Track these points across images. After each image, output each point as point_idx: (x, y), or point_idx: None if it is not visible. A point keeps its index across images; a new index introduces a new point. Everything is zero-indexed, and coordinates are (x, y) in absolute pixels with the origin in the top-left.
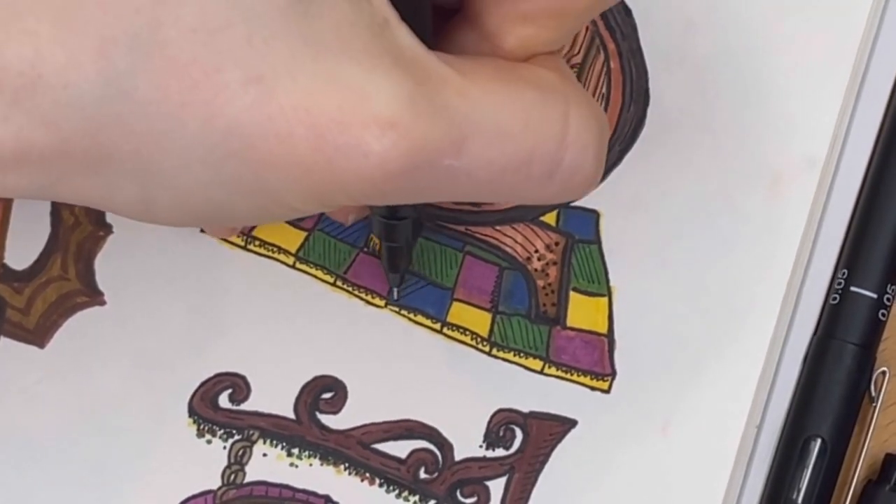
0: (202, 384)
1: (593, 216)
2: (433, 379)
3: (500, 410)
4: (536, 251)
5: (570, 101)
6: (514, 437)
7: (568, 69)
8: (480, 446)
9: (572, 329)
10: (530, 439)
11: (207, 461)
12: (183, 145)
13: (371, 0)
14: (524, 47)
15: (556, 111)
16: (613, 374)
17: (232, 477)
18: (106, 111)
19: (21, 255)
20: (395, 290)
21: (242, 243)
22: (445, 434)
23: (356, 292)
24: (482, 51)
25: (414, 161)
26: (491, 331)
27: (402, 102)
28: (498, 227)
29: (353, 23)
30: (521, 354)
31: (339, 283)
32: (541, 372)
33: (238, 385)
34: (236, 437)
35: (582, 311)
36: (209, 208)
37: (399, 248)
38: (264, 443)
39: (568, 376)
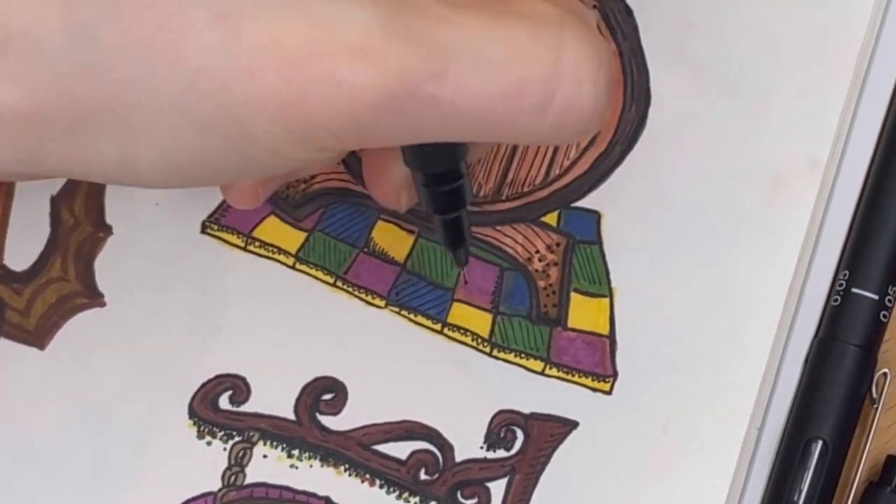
0: (202, 385)
1: (594, 217)
2: (434, 380)
3: (500, 411)
4: (537, 251)
5: (566, 30)
6: (515, 438)
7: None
8: (481, 447)
9: (573, 330)
10: (531, 440)
11: (208, 463)
12: (155, 91)
13: None
14: None
15: (547, 41)
16: (615, 375)
17: (232, 478)
18: (75, 63)
19: (21, 256)
20: (464, 270)
21: (242, 244)
22: (446, 435)
23: (356, 293)
24: None
25: (391, 89)
26: (492, 331)
27: (374, 29)
28: (498, 228)
29: None
30: (522, 355)
31: (339, 283)
32: (542, 373)
33: (238, 386)
34: (236, 439)
35: (583, 312)
36: (192, 161)
37: (458, 217)
38: (264, 444)
39: (569, 377)
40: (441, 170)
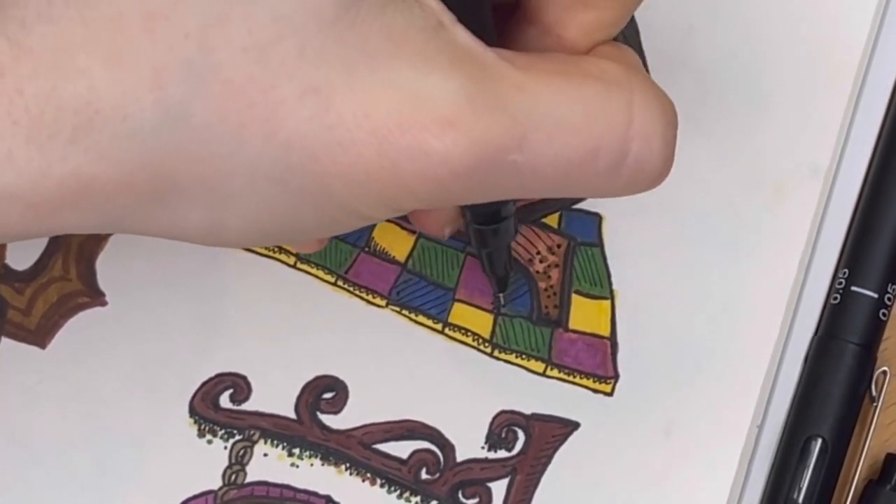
0: (203, 384)
1: (595, 219)
2: (434, 379)
3: (502, 412)
4: (538, 253)
5: (635, 90)
6: (516, 438)
7: (633, 57)
8: (482, 447)
9: (574, 331)
10: (532, 441)
11: (208, 461)
12: (246, 164)
13: (422, 3)
14: (586, 35)
15: (619, 102)
16: (616, 377)
17: (233, 477)
18: (166, 140)
19: (22, 255)
20: (502, 296)
21: None
22: (447, 435)
23: (357, 292)
24: (545, 46)
25: (476, 158)
26: (493, 332)
27: (461, 100)
28: None
29: (404, 27)
30: (523, 356)
31: (339, 283)
32: (543, 374)
33: (239, 385)
34: (237, 437)
35: (584, 314)
36: (278, 225)
37: (500, 251)
38: (265, 443)
39: (570, 379)
40: (491, 210)
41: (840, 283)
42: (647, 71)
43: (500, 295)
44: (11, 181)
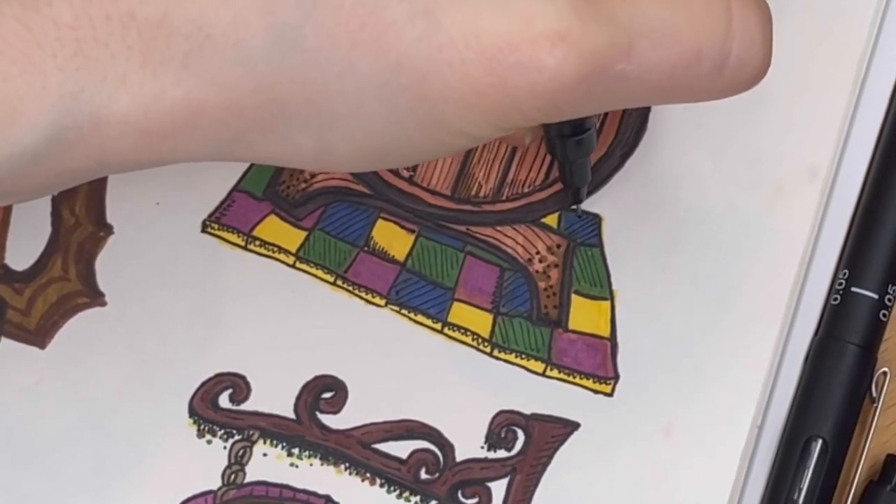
0: (202, 384)
1: (595, 220)
2: (434, 379)
3: (501, 412)
4: (538, 253)
5: None
6: (515, 438)
7: None
8: (482, 447)
9: (574, 332)
10: (532, 441)
11: (208, 461)
12: (356, 87)
13: None
14: None
15: (718, 4)
16: (616, 377)
17: (232, 477)
18: (277, 65)
19: (22, 255)
20: (579, 207)
21: (243, 243)
22: (446, 434)
23: (356, 292)
24: None
25: (587, 70)
26: (492, 332)
27: (569, 14)
28: (498, 228)
29: None
30: (523, 356)
31: (339, 282)
32: (542, 374)
33: (238, 385)
34: (236, 437)
35: (584, 314)
36: (386, 148)
37: (583, 162)
38: (264, 443)
39: (570, 379)
40: (575, 121)
41: (840, 284)
42: None
43: (578, 206)
44: (125, 106)
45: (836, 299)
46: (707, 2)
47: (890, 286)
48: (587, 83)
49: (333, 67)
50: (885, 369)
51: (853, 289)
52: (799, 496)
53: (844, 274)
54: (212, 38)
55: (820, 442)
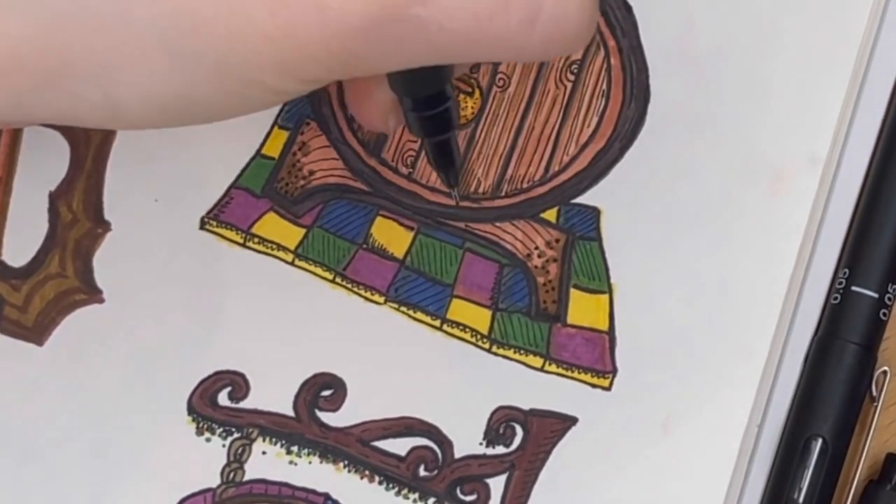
0: (201, 382)
1: (594, 213)
2: (433, 376)
3: (500, 408)
4: (536, 248)
5: None
6: (514, 434)
7: None
8: (480, 444)
9: (573, 326)
10: (531, 437)
11: (207, 459)
12: (136, 34)
13: None
14: None
15: None
16: (614, 371)
17: (231, 475)
18: (49, 12)
19: (19, 251)
20: (455, 190)
21: (241, 240)
22: (445, 431)
23: (355, 289)
24: None
25: (377, 12)
26: (491, 328)
27: None
28: (498, 224)
29: None
30: (522, 352)
31: (338, 279)
32: (541, 369)
33: (237, 383)
34: (235, 435)
35: (583, 309)
36: (179, 101)
37: (447, 139)
38: (264, 440)
39: (569, 374)
40: (428, 93)
41: (840, 283)
42: (645, 61)
43: (454, 190)
44: None
45: (836, 298)
46: None
47: (890, 285)
48: (379, 28)
49: (108, 15)
50: (886, 368)
51: (853, 288)
52: (799, 495)
53: (845, 273)
54: None
55: (820, 441)
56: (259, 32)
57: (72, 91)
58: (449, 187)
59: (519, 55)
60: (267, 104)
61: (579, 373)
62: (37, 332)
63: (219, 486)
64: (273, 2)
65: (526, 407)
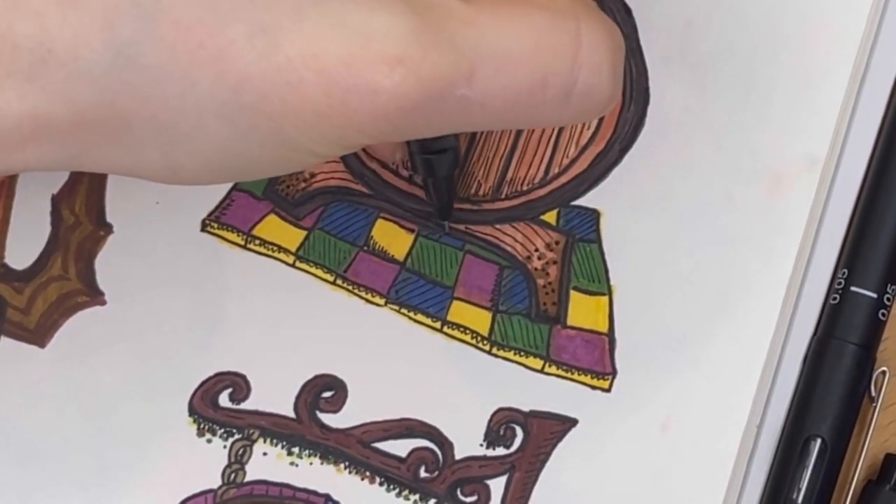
0: (202, 383)
1: (594, 215)
2: (433, 378)
3: (500, 409)
4: (536, 250)
5: (581, 19)
6: (514, 435)
7: None
8: (481, 445)
9: (573, 328)
10: (531, 438)
11: (208, 460)
12: (197, 104)
13: None
14: None
15: (566, 31)
16: (614, 373)
17: (232, 476)
18: (117, 80)
19: (21, 254)
20: (446, 223)
21: (242, 242)
22: (446, 433)
23: (356, 291)
24: None
25: (425, 94)
26: (491, 329)
27: (408, 38)
28: (498, 226)
29: None
30: (522, 353)
31: (339, 281)
32: (541, 371)
33: (238, 384)
34: (236, 437)
35: (582, 310)
36: (233, 164)
37: (443, 179)
38: (264, 442)
39: (568, 375)
40: (439, 142)
41: (839, 283)
42: (644, 63)
43: (445, 223)
44: None
45: (835, 299)
46: (554, 29)
47: (889, 285)
48: (427, 107)
49: (173, 84)
50: (884, 369)
51: (852, 288)
52: (798, 495)
53: (844, 273)
54: (53, 53)
55: (819, 441)
56: (313, 110)
57: (132, 151)
58: (441, 219)
59: (549, 123)
60: (308, 165)
61: (579, 374)
62: (39, 335)
63: (220, 488)
64: (328, 83)
65: (526, 408)
